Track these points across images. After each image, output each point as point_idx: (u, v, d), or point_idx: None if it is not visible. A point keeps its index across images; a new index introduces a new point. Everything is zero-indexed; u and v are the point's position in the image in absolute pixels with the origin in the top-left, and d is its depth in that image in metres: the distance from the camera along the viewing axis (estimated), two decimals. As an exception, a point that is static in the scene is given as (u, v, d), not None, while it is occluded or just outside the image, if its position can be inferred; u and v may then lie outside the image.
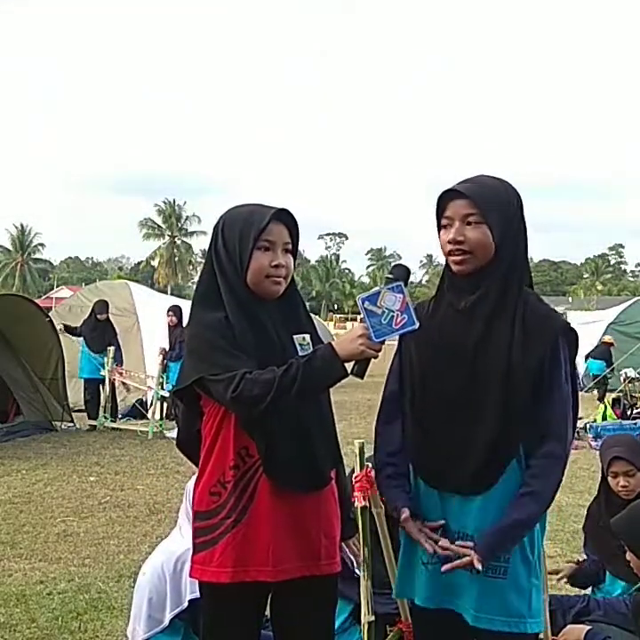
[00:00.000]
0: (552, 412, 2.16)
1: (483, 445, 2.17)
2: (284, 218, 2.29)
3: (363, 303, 2.04)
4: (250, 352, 2.19)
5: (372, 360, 2.12)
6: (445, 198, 2.24)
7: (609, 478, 3.59)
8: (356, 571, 2.52)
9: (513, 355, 2.16)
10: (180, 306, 12.16)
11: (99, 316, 11.72)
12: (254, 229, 2.23)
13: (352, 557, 2.51)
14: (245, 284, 2.25)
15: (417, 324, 2.07)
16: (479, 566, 2.13)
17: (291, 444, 2.21)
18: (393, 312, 2.04)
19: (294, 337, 2.30)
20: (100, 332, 11.70)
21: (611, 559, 3.45)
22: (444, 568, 2.19)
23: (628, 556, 2.71)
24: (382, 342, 2.09)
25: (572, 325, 2.26)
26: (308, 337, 2.32)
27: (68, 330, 11.92)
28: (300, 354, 2.24)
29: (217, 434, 2.25)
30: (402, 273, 2.11)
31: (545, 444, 2.15)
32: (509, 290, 2.21)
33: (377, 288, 2.05)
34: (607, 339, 17.13)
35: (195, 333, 2.28)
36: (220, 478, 2.23)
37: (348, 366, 2.13)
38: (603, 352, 16.59)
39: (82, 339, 11.82)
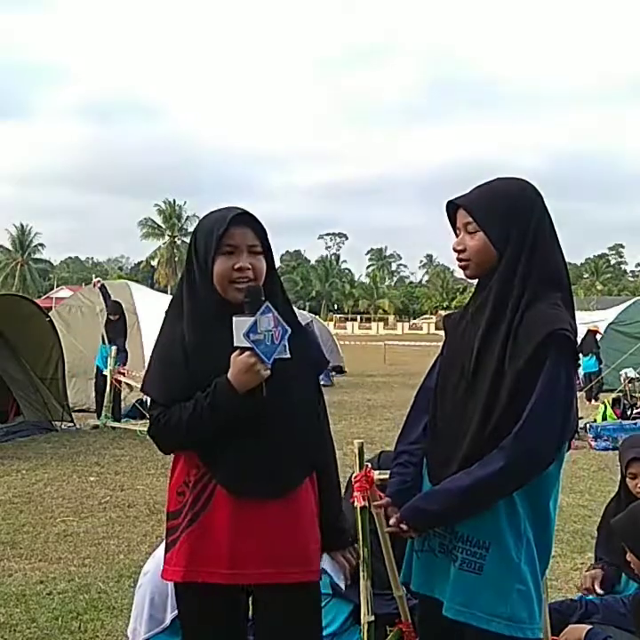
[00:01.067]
0: (520, 414, 2.07)
1: (465, 449, 2.17)
2: (246, 220, 2.26)
3: (248, 338, 2.12)
4: (204, 363, 2.20)
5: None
6: (452, 208, 2.29)
7: (627, 479, 3.52)
8: (339, 584, 2.49)
9: (505, 361, 2.13)
10: (179, 306, 12.17)
11: (111, 317, 11.89)
12: (215, 235, 2.22)
13: (333, 571, 2.45)
14: (216, 291, 2.24)
15: (289, 329, 2.20)
16: (392, 520, 2.24)
17: (243, 453, 2.19)
18: (271, 331, 2.17)
19: None
20: (112, 329, 11.91)
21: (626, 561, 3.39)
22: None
23: (629, 556, 2.70)
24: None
25: (569, 333, 2.10)
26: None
27: (104, 294, 12.12)
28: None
29: None
30: (256, 292, 2.20)
31: (504, 440, 2.08)
32: (510, 292, 2.17)
33: (249, 318, 2.13)
34: (592, 327, 16.73)
35: (155, 346, 2.32)
36: (185, 478, 2.24)
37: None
38: (590, 344, 16.22)
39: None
